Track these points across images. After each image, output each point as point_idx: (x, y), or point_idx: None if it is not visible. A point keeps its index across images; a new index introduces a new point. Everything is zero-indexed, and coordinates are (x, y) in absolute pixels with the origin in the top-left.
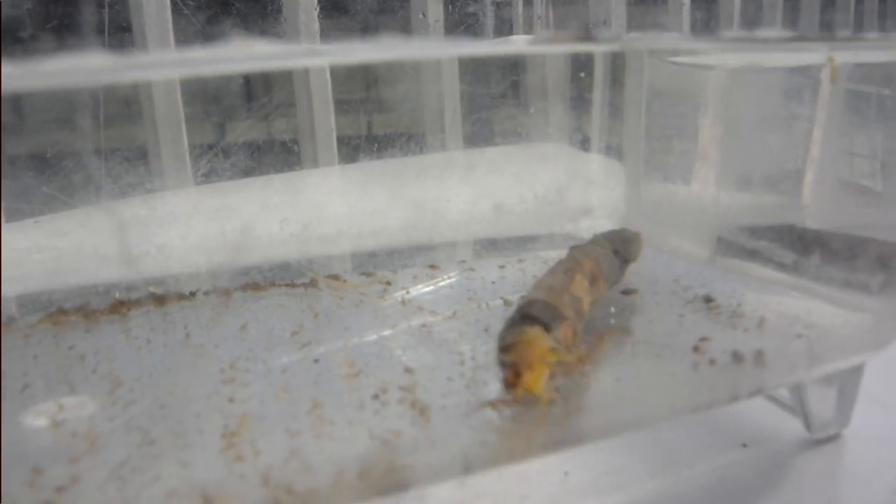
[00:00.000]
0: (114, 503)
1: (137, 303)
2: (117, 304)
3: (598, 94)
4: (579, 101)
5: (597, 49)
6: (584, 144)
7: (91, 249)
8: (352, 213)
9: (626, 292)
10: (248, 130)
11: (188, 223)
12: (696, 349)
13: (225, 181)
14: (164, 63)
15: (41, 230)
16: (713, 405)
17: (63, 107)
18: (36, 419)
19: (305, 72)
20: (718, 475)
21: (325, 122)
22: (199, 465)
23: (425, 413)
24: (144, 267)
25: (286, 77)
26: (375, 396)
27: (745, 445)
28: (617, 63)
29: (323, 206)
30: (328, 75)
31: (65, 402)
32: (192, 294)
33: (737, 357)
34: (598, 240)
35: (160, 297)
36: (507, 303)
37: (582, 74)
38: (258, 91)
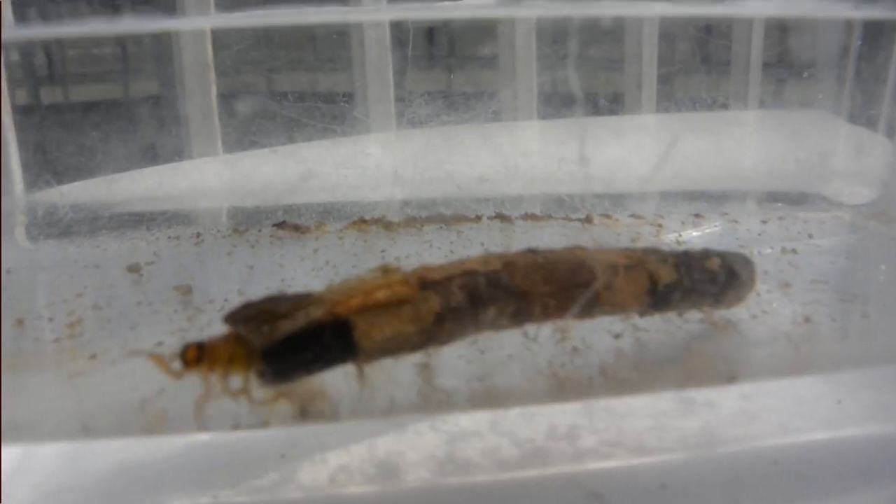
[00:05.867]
0: (474, 360)
1: (429, 220)
2: (411, 219)
3: (873, 65)
4: (851, 70)
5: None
6: (852, 113)
7: (389, 170)
8: (627, 159)
9: None
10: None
11: (476, 154)
12: None
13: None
14: None
15: (348, 149)
16: None
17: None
18: None
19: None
20: None
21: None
22: (541, 350)
23: (727, 328)
24: (431, 189)
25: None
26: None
27: None
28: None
29: (599, 151)
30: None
31: None
32: (478, 217)
33: None
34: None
35: (448, 217)
36: (784, 251)
37: (859, 42)
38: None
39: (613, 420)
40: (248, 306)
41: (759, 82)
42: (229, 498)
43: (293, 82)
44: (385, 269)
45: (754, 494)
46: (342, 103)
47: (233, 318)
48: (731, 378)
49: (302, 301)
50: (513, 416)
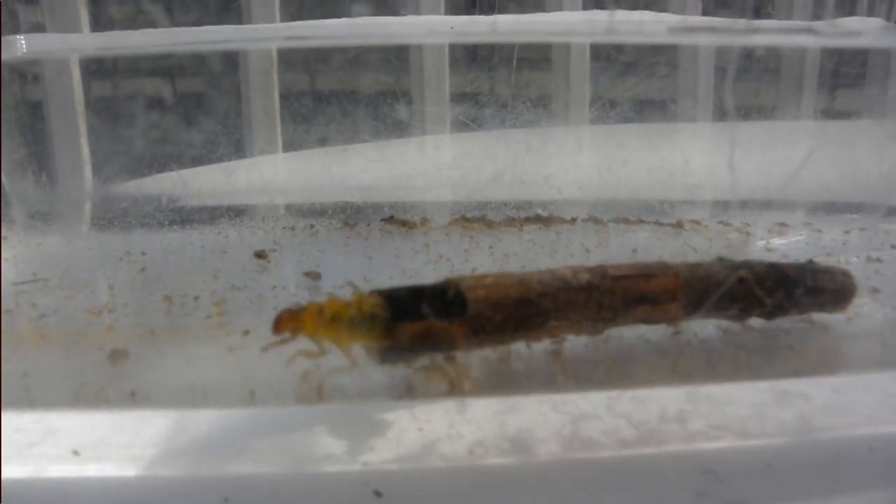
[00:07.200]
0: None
1: (527, 220)
2: (510, 219)
3: None
4: None
5: None
6: None
7: (489, 171)
8: (713, 168)
9: None
10: None
11: (572, 159)
12: None
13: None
14: None
15: (451, 148)
16: None
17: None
18: None
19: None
20: None
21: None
22: (655, 338)
23: (826, 330)
24: (532, 192)
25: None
26: None
27: None
28: None
29: (689, 159)
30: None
31: None
32: (573, 220)
33: None
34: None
35: (546, 218)
36: (869, 260)
37: None
38: None
39: (717, 406)
40: None
41: (845, 97)
42: (379, 466)
43: (400, 84)
44: None
45: (854, 476)
46: (446, 107)
47: None
48: (829, 371)
49: None
50: (625, 401)
